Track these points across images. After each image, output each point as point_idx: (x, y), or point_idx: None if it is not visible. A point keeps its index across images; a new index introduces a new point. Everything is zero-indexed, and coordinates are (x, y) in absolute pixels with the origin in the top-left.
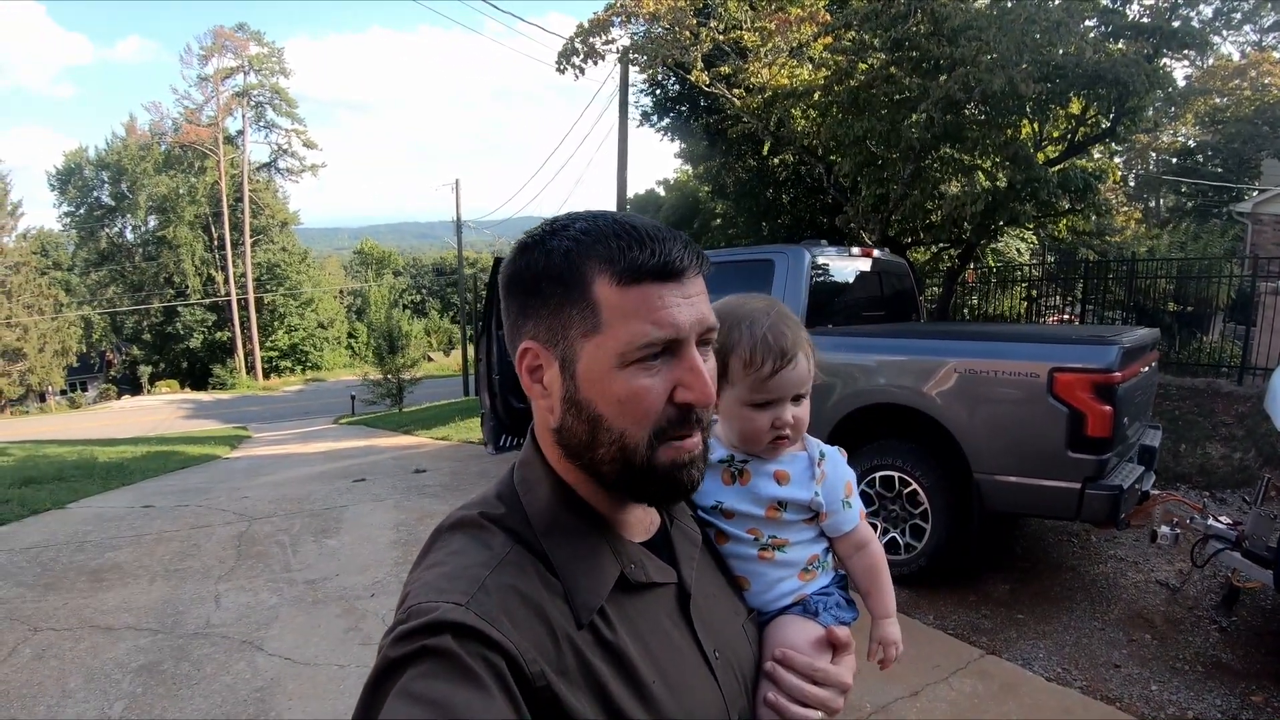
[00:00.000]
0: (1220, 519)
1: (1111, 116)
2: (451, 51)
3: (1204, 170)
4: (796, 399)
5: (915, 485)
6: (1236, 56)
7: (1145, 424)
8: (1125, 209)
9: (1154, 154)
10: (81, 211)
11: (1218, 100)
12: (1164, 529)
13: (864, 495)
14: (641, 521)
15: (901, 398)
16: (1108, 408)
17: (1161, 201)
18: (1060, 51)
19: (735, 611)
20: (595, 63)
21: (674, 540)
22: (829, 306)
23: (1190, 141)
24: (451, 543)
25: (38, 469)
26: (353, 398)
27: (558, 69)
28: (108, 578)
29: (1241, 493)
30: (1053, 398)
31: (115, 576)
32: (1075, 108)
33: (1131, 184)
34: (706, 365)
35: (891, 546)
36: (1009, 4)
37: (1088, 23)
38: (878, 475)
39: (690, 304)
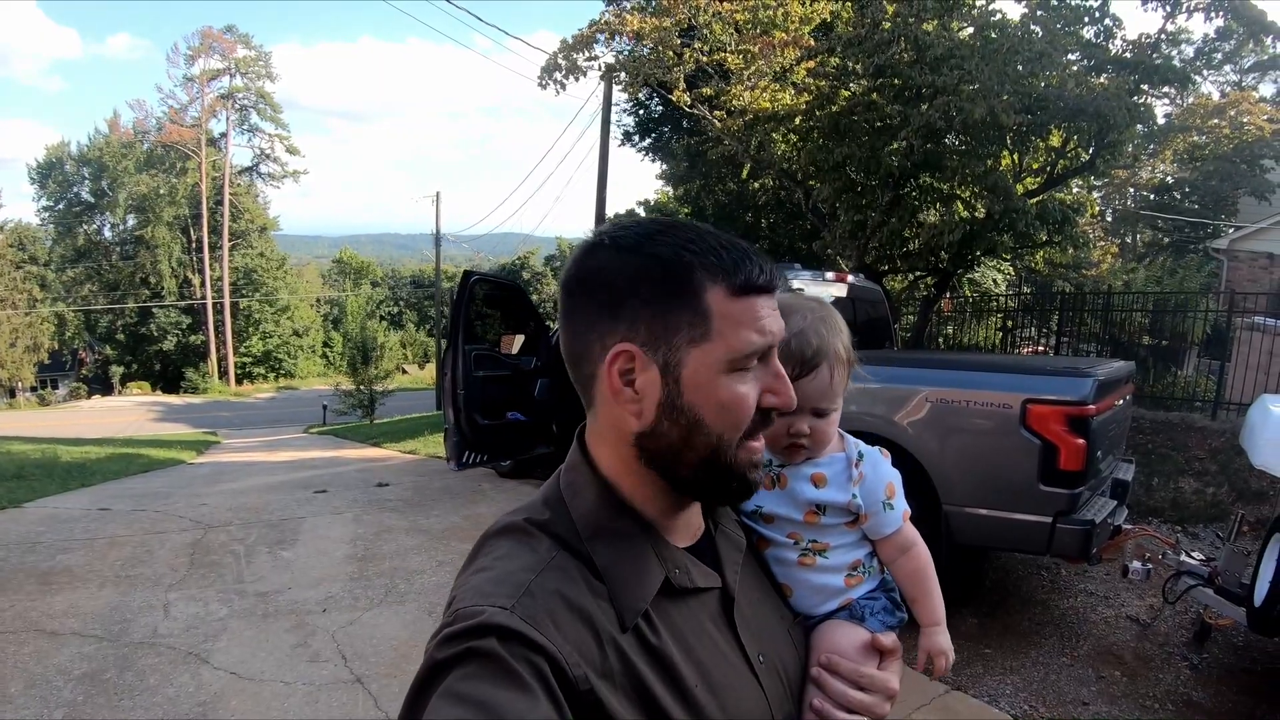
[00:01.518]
0: (1193, 555)
1: (1091, 150)
2: (440, 65)
3: (1181, 207)
4: (818, 412)
5: None
6: (1216, 95)
7: (1119, 458)
8: (1102, 243)
9: (1132, 189)
10: (60, 207)
11: (1196, 138)
12: (1135, 564)
13: None
14: (688, 526)
15: (871, 426)
16: (1081, 441)
17: (1138, 237)
18: (1042, 84)
19: (781, 616)
20: (577, 79)
21: (719, 545)
22: None
23: (1168, 178)
24: (498, 548)
25: None
26: (324, 407)
27: (540, 84)
28: (57, 581)
29: (1214, 528)
30: (1025, 429)
31: (65, 580)
32: (1055, 140)
33: (1109, 218)
34: None
35: None
36: (993, 34)
37: (1070, 56)
38: None
39: (776, 315)
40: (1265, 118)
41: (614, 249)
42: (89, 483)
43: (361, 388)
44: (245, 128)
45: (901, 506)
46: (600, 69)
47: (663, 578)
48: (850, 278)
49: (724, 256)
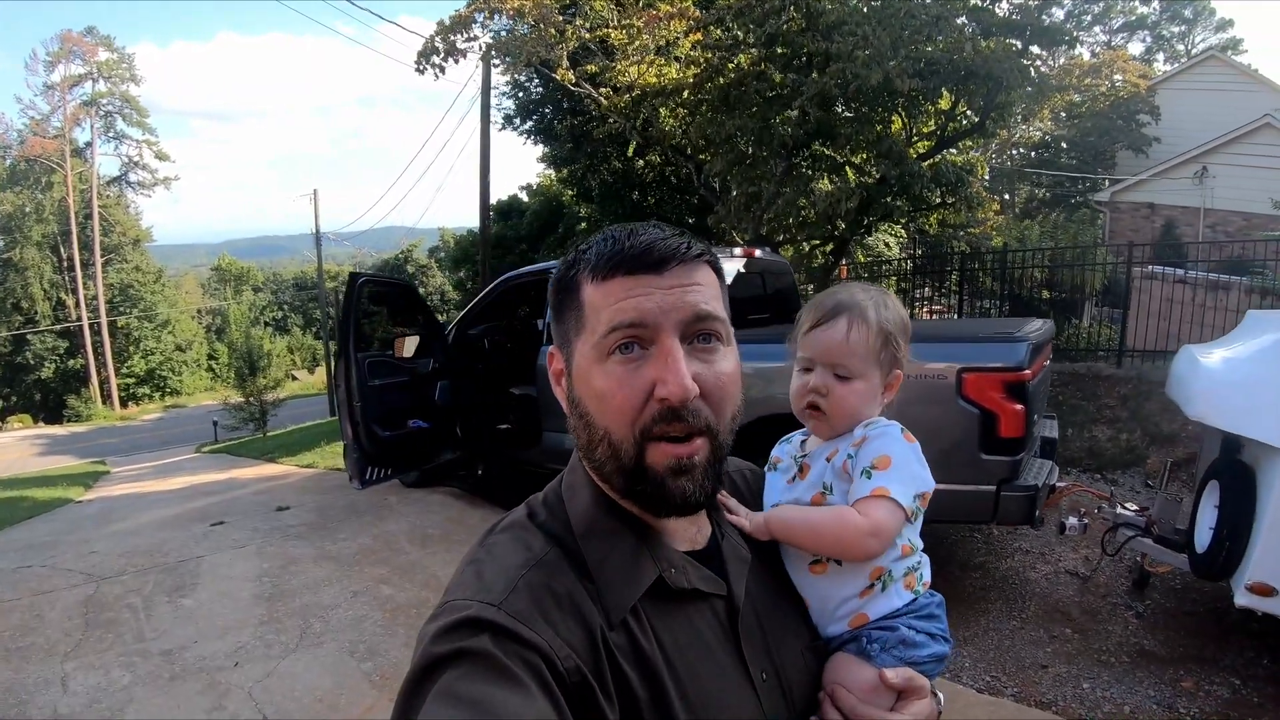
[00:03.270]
0: (1127, 506)
1: (981, 112)
2: (306, 59)
3: (1060, 163)
4: (841, 378)
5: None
6: (1087, 56)
7: (1042, 415)
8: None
9: (1011, 149)
10: None
11: (1074, 96)
12: (1072, 520)
13: None
14: (686, 531)
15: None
16: (1020, 406)
17: (1016, 194)
18: (933, 48)
19: (797, 635)
20: (457, 61)
21: (724, 553)
22: None
23: (1047, 136)
24: (495, 543)
25: None
26: (215, 424)
27: (417, 69)
28: None
29: (1132, 473)
30: (962, 399)
31: None
32: (945, 103)
33: (987, 178)
34: (716, 363)
35: None
36: None
37: (958, 20)
38: None
39: (668, 293)
40: (1139, 75)
41: (560, 265)
42: None
43: (251, 400)
44: (111, 135)
45: (881, 482)
46: (480, 49)
47: (655, 576)
48: (757, 251)
49: (600, 246)
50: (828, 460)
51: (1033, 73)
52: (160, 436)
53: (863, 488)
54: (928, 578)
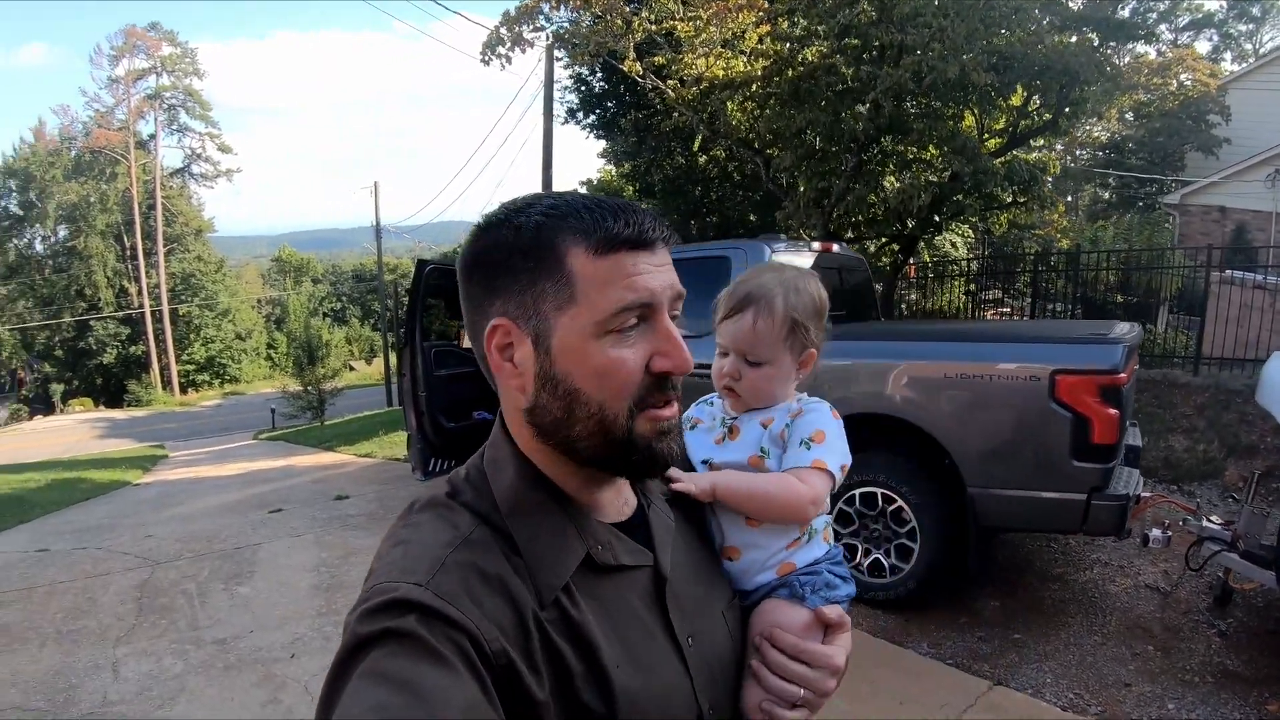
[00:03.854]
0: (1213, 520)
1: (1054, 108)
2: (365, 55)
3: (1128, 164)
4: (751, 363)
5: (900, 502)
6: (1153, 54)
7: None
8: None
9: (1078, 149)
10: None
11: (1142, 95)
12: (1155, 532)
13: (843, 514)
14: (613, 502)
15: (883, 407)
16: (1114, 411)
17: (1080, 195)
18: (1008, 40)
19: (716, 598)
20: (523, 51)
21: (651, 522)
22: None
23: (1115, 136)
24: (418, 522)
25: None
26: (272, 411)
27: (482, 60)
28: None
29: (1209, 485)
30: (1055, 403)
31: (2, 641)
32: (1017, 99)
33: (1052, 178)
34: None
35: (875, 568)
36: None
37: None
38: (858, 492)
39: (663, 271)
40: (1208, 74)
41: (485, 228)
42: (28, 517)
43: (309, 389)
44: (174, 128)
45: (818, 454)
46: (547, 39)
47: (583, 554)
48: (835, 246)
49: (585, 217)
50: (764, 426)
51: (1108, 68)
52: (219, 422)
53: (803, 458)
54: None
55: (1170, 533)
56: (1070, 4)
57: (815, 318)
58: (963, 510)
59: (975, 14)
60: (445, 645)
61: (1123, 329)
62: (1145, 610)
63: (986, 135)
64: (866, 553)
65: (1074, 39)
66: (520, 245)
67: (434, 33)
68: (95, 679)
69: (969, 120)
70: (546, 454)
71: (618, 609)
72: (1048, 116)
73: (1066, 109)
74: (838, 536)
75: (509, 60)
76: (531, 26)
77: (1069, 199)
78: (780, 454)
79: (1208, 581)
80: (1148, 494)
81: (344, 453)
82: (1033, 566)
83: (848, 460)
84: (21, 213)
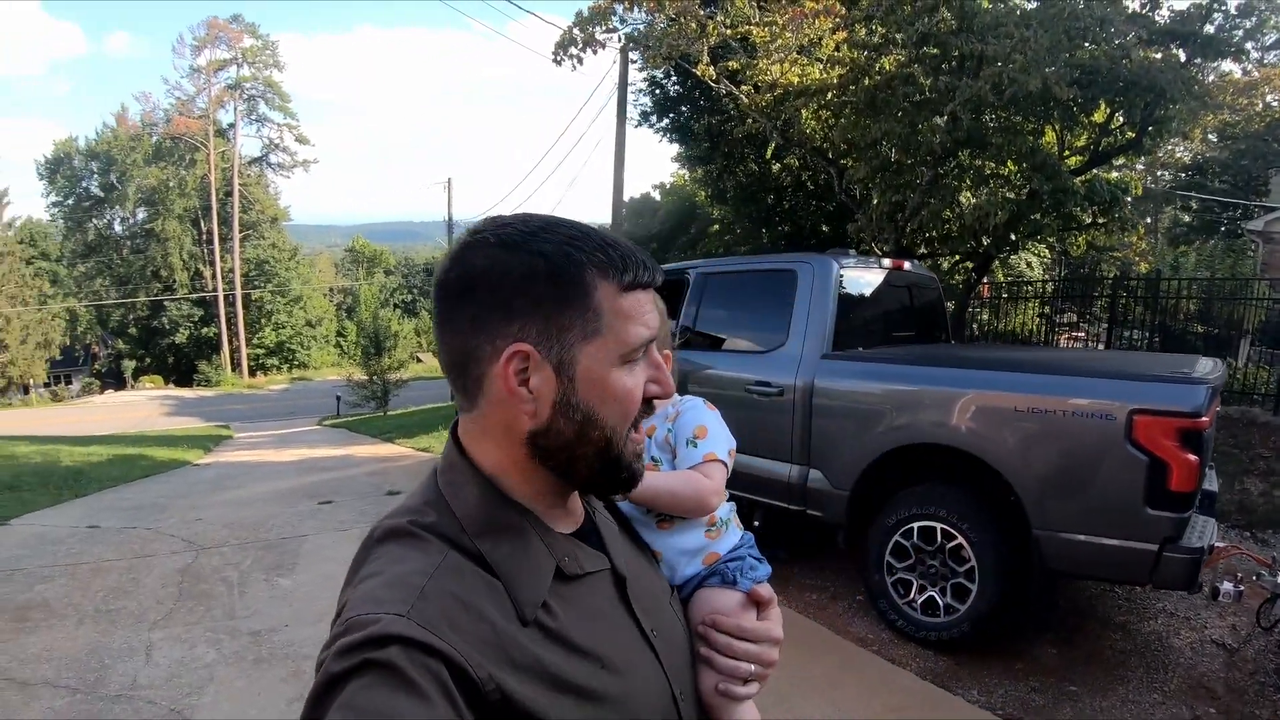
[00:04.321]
0: None
1: (1138, 126)
2: (445, 52)
3: (1210, 187)
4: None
5: (961, 539)
6: (1239, 73)
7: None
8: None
9: (1160, 170)
10: (70, 202)
11: (1227, 116)
12: (1227, 585)
13: (899, 548)
14: (571, 514)
15: (948, 437)
16: (1194, 457)
17: (1159, 218)
18: (1093, 54)
19: (663, 590)
20: (595, 52)
21: (600, 528)
22: (858, 325)
23: (1198, 157)
24: (385, 553)
25: None
26: (338, 399)
27: (554, 60)
28: (33, 617)
29: None
30: (1131, 444)
31: (41, 616)
32: (1099, 116)
33: (1131, 199)
34: None
35: (928, 607)
36: None
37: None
38: (916, 526)
39: (655, 310)
40: None
41: (499, 247)
42: (84, 492)
43: (374, 378)
44: (253, 118)
45: (707, 448)
46: (619, 40)
47: (554, 567)
48: (907, 264)
49: (612, 254)
50: (648, 435)
51: (1194, 85)
52: (285, 406)
53: (694, 456)
54: None
55: (1242, 587)
56: (1155, 17)
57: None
58: (1026, 552)
59: (1059, 25)
60: (421, 674)
61: (1206, 366)
62: (1210, 668)
63: (1067, 152)
64: (921, 589)
65: (1158, 55)
66: (547, 272)
67: (510, 33)
68: (128, 661)
69: (1049, 136)
70: (527, 474)
71: (590, 613)
72: (1131, 135)
73: (1151, 127)
74: (890, 570)
75: (580, 61)
76: (604, 28)
77: (1147, 221)
78: (671, 459)
79: (1277, 641)
80: (1221, 543)
81: (402, 445)
82: (1095, 612)
83: (733, 444)
84: (102, 194)
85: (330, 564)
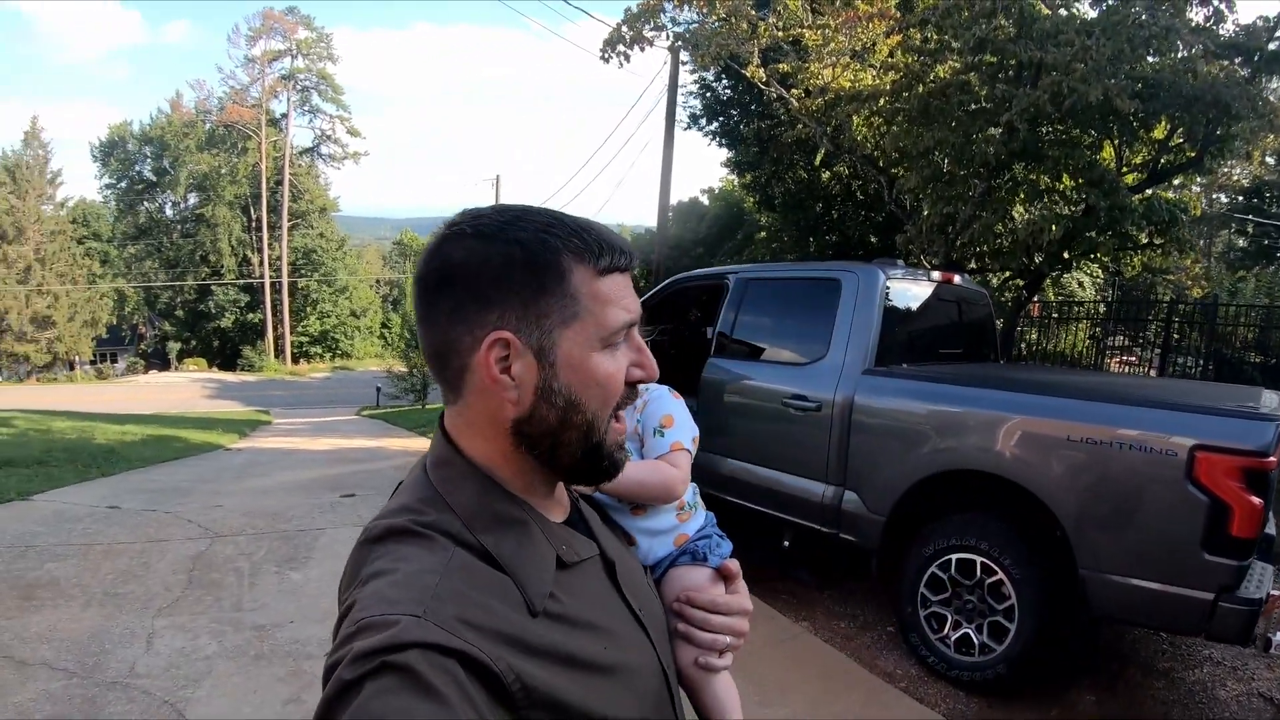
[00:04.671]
0: None
1: (1200, 143)
2: (500, 50)
3: (1268, 210)
4: None
5: (1001, 574)
6: None
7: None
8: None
9: (1217, 191)
10: (123, 185)
11: None
12: (1279, 638)
13: (935, 580)
14: (560, 504)
15: (993, 464)
16: (1258, 501)
17: (1215, 241)
18: (1155, 67)
19: (640, 570)
20: (642, 49)
21: (586, 516)
22: (903, 340)
23: (1257, 179)
24: (389, 552)
25: (26, 448)
26: (378, 390)
27: (602, 57)
28: (40, 595)
29: None
30: (1191, 483)
31: (49, 595)
32: (1159, 132)
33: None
34: None
35: (963, 644)
36: (1115, 1)
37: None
38: (955, 557)
39: (634, 294)
40: None
41: (475, 237)
42: (111, 471)
43: (414, 371)
44: (306, 109)
45: (674, 437)
46: (668, 38)
47: (554, 556)
48: (957, 277)
49: (587, 239)
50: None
51: (1260, 103)
52: (325, 394)
53: (661, 445)
54: None
55: None
56: (1220, 31)
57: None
58: (1070, 593)
59: (1123, 33)
60: (439, 676)
61: (1272, 400)
62: None
63: (1125, 169)
64: (956, 625)
65: (1221, 70)
66: (523, 260)
67: (565, 33)
68: (128, 648)
69: (1107, 151)
70: (517, 464)
71: (589, 598)
72: (1191, 153)
73: (1213, 146)
74: (925, 602)
75: (627, 58)
76: (652, 24)
77: (1201, 243)
78: (639, 448)
79: None
80: (1276, 590)
81: None
82: (1137, 657)
83: (696, 432)
84: (154, 178)
85: (342, 561)
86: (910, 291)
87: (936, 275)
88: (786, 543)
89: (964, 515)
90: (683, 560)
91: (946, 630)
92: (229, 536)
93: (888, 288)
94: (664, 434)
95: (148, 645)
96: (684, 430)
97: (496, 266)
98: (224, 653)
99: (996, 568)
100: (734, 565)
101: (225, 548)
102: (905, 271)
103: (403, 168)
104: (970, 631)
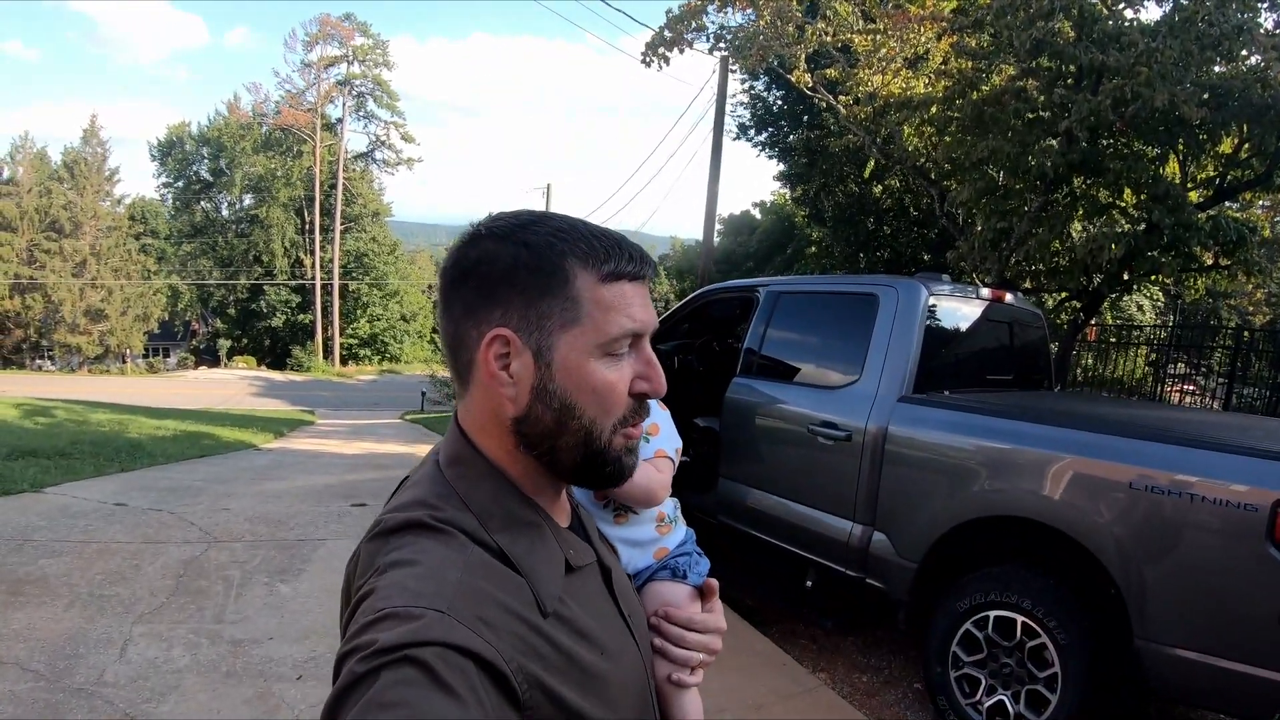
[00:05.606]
0: None
1: (1271, 157)
2: (557, 61)
3: None
4: None
5: (1045, 638)
6: None
7: None
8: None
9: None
10: (180, 184)
11: None
12: None
13: (969, 638)
14: (565, 509)
15: (1039, 511)
16: None
17: (1277, 265)
18: (1223, 75)
19: (629, 580)
20: (681, 51)
21: (584, 523)
22: (947, 363)
23: None
24: (408, 543)
25: (55, 438)
26: (423, 394)
27: (643, 61)
28: (27, 592)
29: None
30: (1273, 545)
31: (35, 592)
32: (1226, 146)
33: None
34: None
35: (996, 713)
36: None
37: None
38: (993, 615)
39: (650, 304)
40: None
41: (490, 238)
42: (131, 466)
43: None
44: (361, 114)
45: (658, 445)
46: (709, 40)
47: (563, 559)
48: (1009, 296)
49: (595, 245)
50: None
51: None
52: (371, 397)
53: (646, 451)
54: None
55: None
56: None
57: None
58: (1123, 665)
59: (1190, 32)
60: (456, 675)
61: None
62: None
63: (1190, 184)
64: (990, 691)
65: None
66: (529, 261)
67: (622, 46)
68: (102, 653)
69: (1171, 165)
70: (523, 464)
71: (589, 602)
72: (1260, 169)
73: None
74: (957, 663)
75: (667, 61)
76: (694, 26)
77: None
78: None
79: None
80: None
81: None
82: None
83: (679, 443)
84: (211, 179)
85: (335, 576)
86: (956, 310)
87: (986, 293)
88: (810, 583)
89: (1005, 567)
90: (662, 575)
91: (979, 695)
92: (226, 542)
93: (931, 305)
94: (649, 440)
95: (121, 652)
96: (669, 439)
97: (504, 266)
98: (195, 666)
99: (1040, 630)
100: (713, 584)
101: (220, 554)
102: (951, 288)
103: (459, 174)
104: (1006, 699)
